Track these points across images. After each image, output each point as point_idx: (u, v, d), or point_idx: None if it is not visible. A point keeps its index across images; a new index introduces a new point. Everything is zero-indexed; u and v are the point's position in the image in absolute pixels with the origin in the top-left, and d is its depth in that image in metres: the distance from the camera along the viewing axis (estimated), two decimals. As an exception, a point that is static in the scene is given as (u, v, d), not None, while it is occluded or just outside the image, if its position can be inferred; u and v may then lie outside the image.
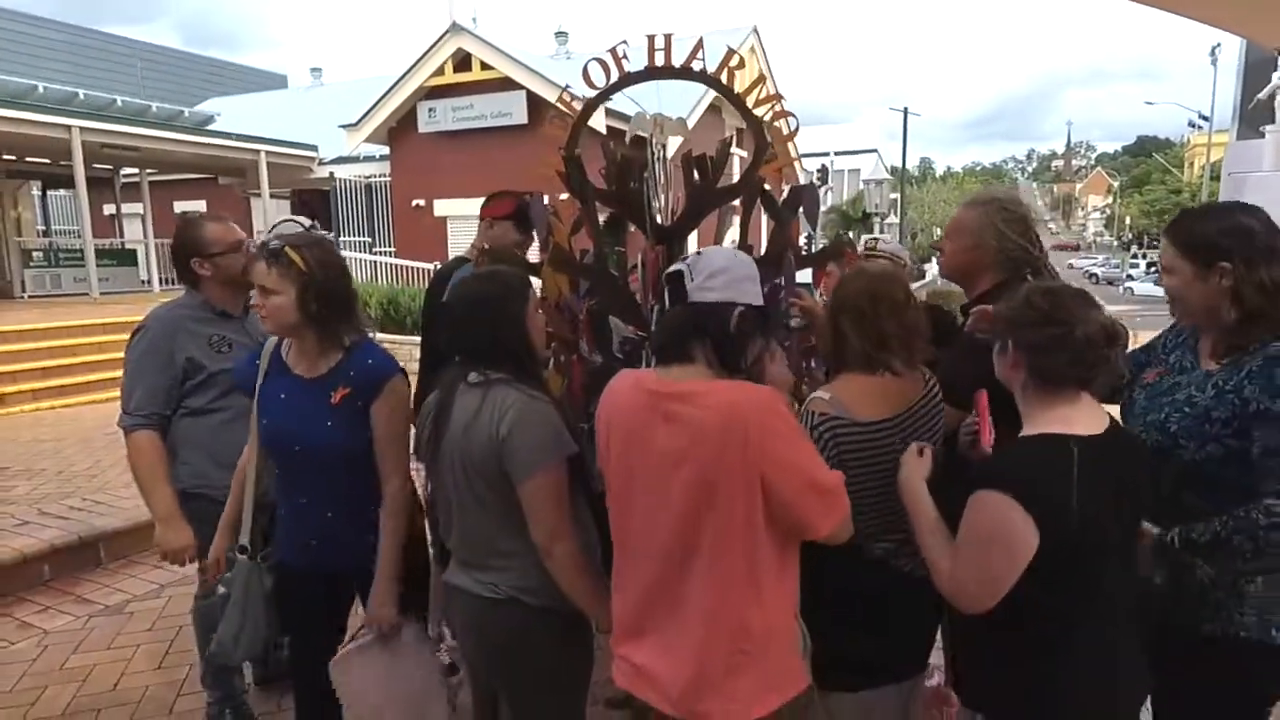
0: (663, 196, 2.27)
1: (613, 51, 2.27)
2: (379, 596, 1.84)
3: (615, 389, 1.48)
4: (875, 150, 38.37)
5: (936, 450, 1.62)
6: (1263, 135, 6.42)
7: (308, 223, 3.30)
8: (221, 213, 2.66)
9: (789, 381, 1.63)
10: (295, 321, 1.83)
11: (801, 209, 2.20)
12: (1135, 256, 46.62)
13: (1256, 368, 1.45)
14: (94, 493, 4.53)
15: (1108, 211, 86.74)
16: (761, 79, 2.26)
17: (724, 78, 2.25)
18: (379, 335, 9.76)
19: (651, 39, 2.24)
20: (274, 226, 3.25)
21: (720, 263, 1.42)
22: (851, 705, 1.64)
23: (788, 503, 1.32)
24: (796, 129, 2.20)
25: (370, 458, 1.86)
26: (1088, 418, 1.41)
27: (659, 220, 2.23)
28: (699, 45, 2.21)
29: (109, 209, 17.10)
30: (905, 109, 24.41)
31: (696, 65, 2.23)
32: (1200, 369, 1.58)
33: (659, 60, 2.23)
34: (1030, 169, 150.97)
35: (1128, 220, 67.28)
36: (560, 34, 18.71)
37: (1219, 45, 27.42)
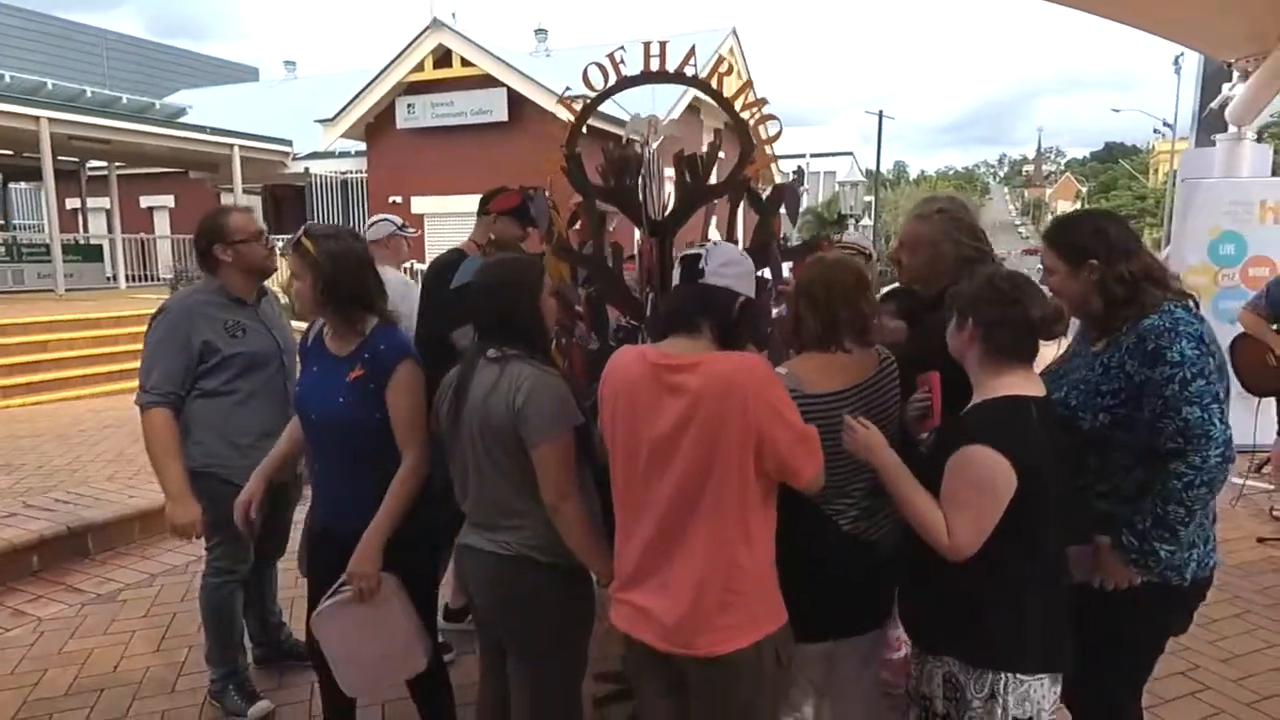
0: (655, 193, 2.40)
1: (610, 56, 2.39)
2: (361, 553, 1.94)
3: (619, 363, 1.62)
4: (851, 153, 38.88)
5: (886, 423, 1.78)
6: (1215, 144, 6.75)
7: (399, 221, 3.37)
8: (230, 208, 2.76)
9: None
10: (312, 306, 1.99)
11: (784, 207, 2.35)
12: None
13: (1132, 345, 1.69)
14: (77, 486, 4.54)
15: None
16: (748, 84, 2.40)
17: (714, 83, 2.38)
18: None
19: (647, 45, 2.36)
20: (372, 224, 3.32)
21: (733, 255, 1.61)
22: (815, 654, 1.83)
23: (783, 453, 1.48)
24: (780, 133, 2.34)
25: (377, 436, 1.97)
26: (1033, 386, 1.62)
27: (652, 215, 2.36)
28: (691, 52, 2.34)
29: (73, 203, 16.74)
30: (880, 113, 24.86)
31: (688, 71, 2.35)
32: (1089, 352, 1.82)
33: (654, 66, 2.34)
34: (1002, 173, 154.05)
35: (1092, 225, 68.93)
36: (540, 31, 18.74)
37: (1182, 55, 28.31)
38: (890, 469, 1.62)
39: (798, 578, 1.65)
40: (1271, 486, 4.78)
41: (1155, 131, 36.79)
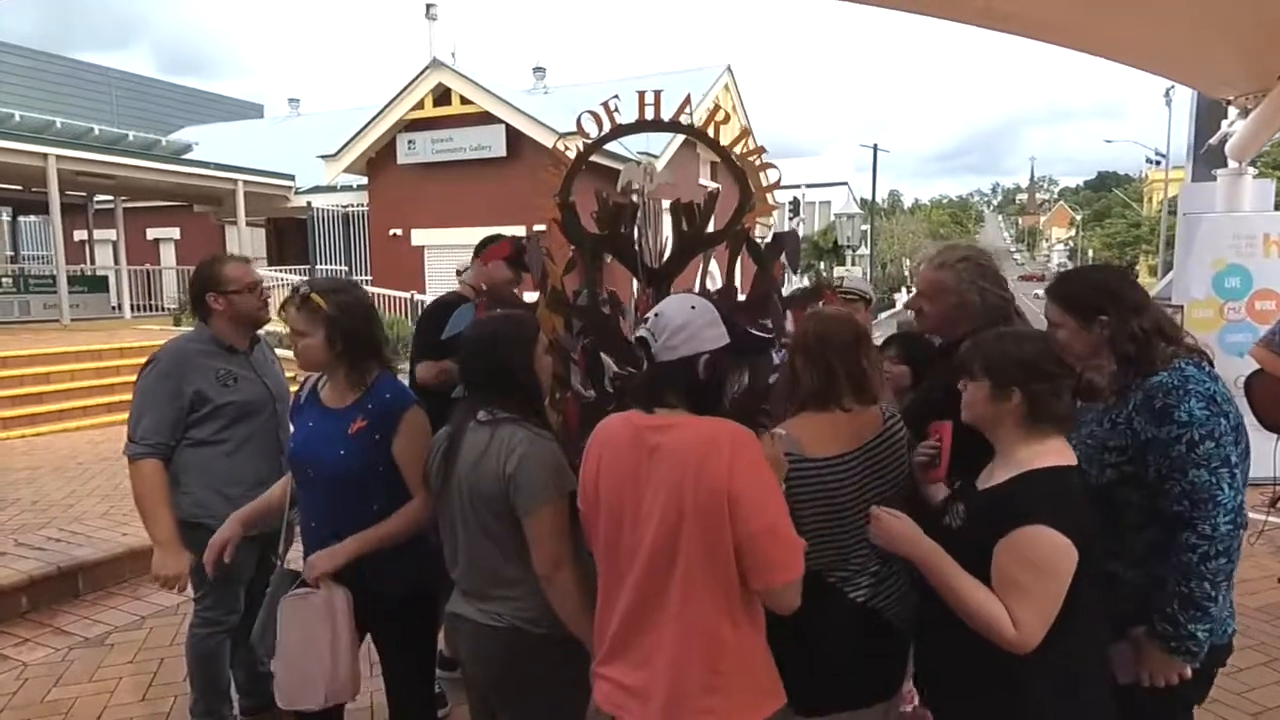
0: (651, 241, 2.41)
1: (605, 105, 2.41)
2: (328, 553, 1.92)
3: (606, 426, 1.58)
4: (845, 183, 39.37)
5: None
6: (1214, 178, 6.80)
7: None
8: (237, 254, 2.76)
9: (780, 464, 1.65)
10: (324, 360, 1.96)
11: (784, 254, 2.35)
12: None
13: (1139, 402, 1.64)
14: (70, 523, 4.50)
15: (1071, 244, 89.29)
16: (746, 132, 2.41)
17: (710, 130, 2.40)
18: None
19: (641, 95, 2.39)
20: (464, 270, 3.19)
21: (679, 320, 1.49)
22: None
23: (750, 535, 1.38)
24: (779, 180, 2.35)
25: (378, 487, 1.95)
26: (1070, 454, 1.54)
27: (649, 263, 2.37)
28: (687, 100, 2.37)
29: (80, 235, 16.94)
30: (875, 145, 25.21)
31: (684, 118, 2.38)
32: (1098, 407, 1.76)
33: (649, 113, 2.36)
34: (995, 202, 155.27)
35: (1090, 252, 69.39)
36: (538, 69, 19.07)
37: (1173, 87, 28.76)
38: (934, 560, 1.50)
39: (803, 650, 1.58)
40: None
41: (1148, 161, 37.21)
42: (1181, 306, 6.01)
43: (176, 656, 3.25)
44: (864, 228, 29.67)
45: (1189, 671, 1.62)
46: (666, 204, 2.43)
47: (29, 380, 7.67)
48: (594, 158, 2.54)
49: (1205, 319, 6.08)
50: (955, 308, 2.09)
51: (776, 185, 2.35)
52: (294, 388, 2.31)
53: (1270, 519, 4.77)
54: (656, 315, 1.52)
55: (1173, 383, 1.61)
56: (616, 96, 2.44)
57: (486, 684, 1.83)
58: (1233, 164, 6.51)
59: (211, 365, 2.47)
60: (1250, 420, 4.68)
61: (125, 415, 7.64)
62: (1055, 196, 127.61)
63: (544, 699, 1.77)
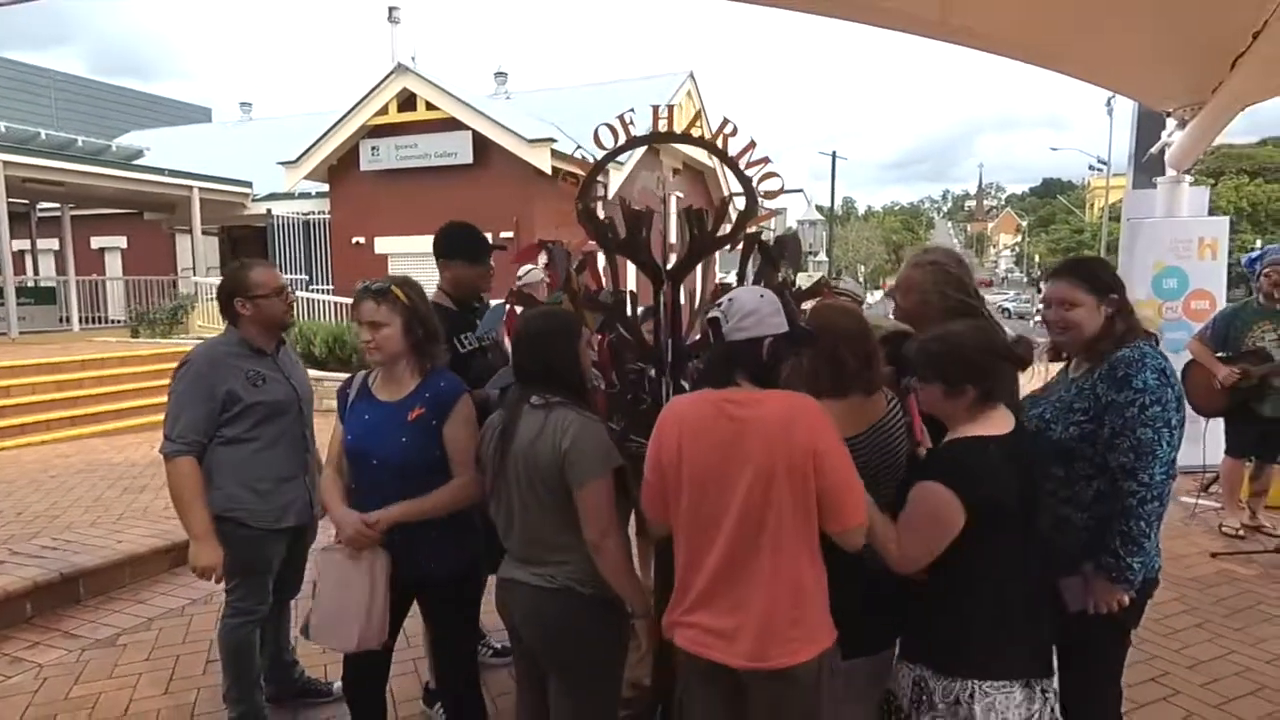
0: (665, 244, 2.61)
1: (620, 118, 2.60)
2: (374, 515, 2.09)
3: (678, 405, 1.78)
4: (801, 190, 40.22)
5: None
6: (1154, 185, 7.32)
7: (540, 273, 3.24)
8: (259, 260, 2.84)
9: None
10: (399, 349, 2.12)
11: (785, 255, 2.58)
12: (1042, 292, 49.75)
13: (1104, 372, 1.96)
14: (61, 532, 4.47)
15: (1017, 249, 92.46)
16: (752, 144, 2.63)
17: (719, 141, 2.61)
18: (324, 374, 9.72)
19: (656, 109, 2.59)
20: (526, 271, 3.29)
21: (750, 305, 1.72)
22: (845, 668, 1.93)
23: (831, 486, 1.61)
24: (782, 187, 2.57)
25: (436, 471, 2.11)
26: (1004, 423, 1.79)
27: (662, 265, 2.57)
28: (698, 115, 2.57)
29: (21, 244, 16.26)
30: (834, 153, 25.96)
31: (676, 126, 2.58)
32: (1069, 378, 2.08)
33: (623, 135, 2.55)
34: (945, 208, 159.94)
35: (1036, 258, 72.04)
36: (500, 74, 19.09)
37: (1114, 97, 30.30)
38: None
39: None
40: (1220, 504, 5.10)
41: (1090, 168, 39.04)
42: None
43: (191, 654, 3.33)
44: (822, 232, 30.43)
45: (1127, 599, 1.92)
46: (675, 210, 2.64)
47: (-10, 392, 7.47)
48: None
49: (1145, 318, 6.45)
50: (919, 304, 2.38)
51: (781, 191, 2.57)
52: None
53: (1201, 501, 5.21)
54: (730, 300, 1.73)
55: (1133, 356, 1.92)
56: (632, 110, 2.62)
57: (538, 642, 2.00)
58: (1171, 172, 7.04)
59: (241, 367, 2.59)
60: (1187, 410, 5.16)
61: (91, 429, 7.66)
62: (1002, 203, 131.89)
63: (590, 653, 1.95)
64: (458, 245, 2.87)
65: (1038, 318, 39.09)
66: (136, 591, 4.01)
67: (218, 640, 2.69)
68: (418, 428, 2.10)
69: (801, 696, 1.66)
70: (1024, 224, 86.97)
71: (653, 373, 2.52)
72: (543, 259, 2.71)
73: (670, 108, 2.60)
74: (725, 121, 2.70)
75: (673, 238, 2.78)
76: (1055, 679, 1.81)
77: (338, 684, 2.66)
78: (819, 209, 34.24)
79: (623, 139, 2.57)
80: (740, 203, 2.54)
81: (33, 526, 4.58)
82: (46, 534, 4.43)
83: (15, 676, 3.17)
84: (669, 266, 2.59)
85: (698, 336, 2.49)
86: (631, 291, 2.60)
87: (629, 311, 2.57)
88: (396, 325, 2.11)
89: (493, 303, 2.90)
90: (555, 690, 2.00)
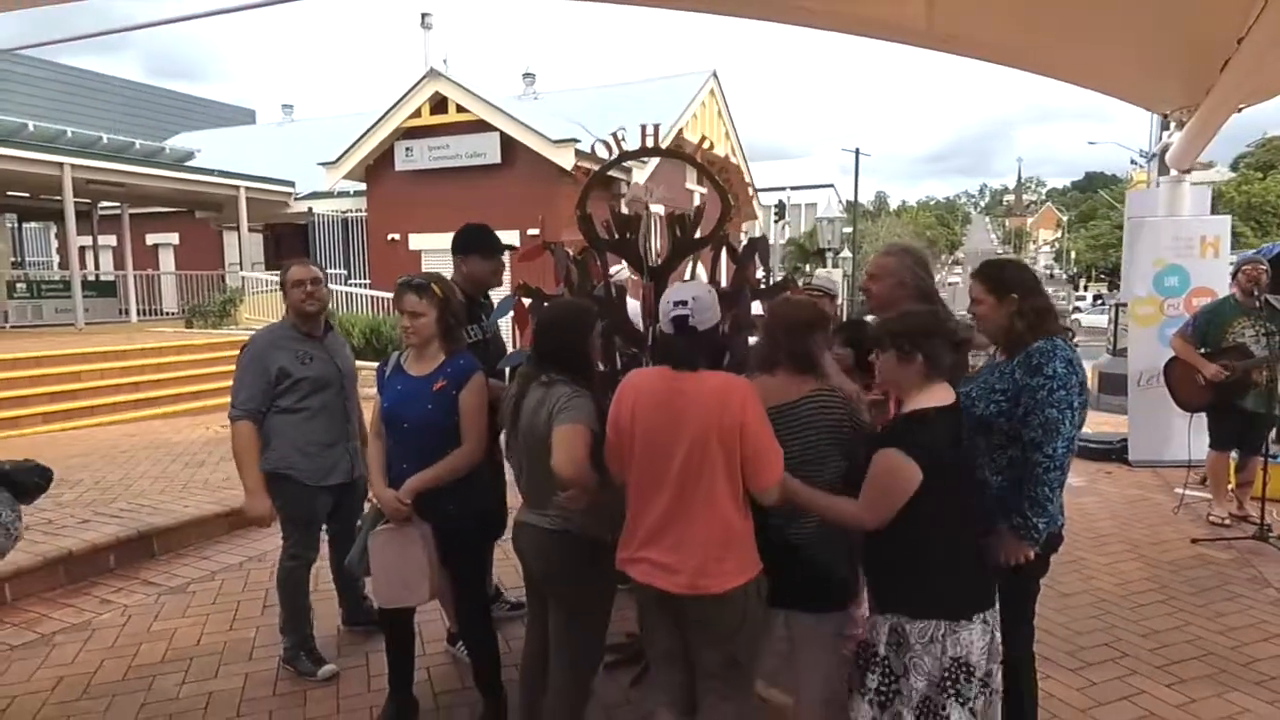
0: (652, 245, 3.03)
1: (614, 135, 3.01)
2: (403, 491, 2.54)
3: (635, 378, 2.18)
4: (832, 185, 40.16)
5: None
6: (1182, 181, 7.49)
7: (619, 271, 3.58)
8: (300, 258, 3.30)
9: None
10: (432, 334, 2.58)
11: (757, 255, 2.97)
12: (1082, 290, 48.91)
13: (1021, 359, 2.28)
14: (135, 498, 5.06)
15: (1057, 245, 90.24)
16: (728, 158, 3.02)
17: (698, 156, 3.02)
18: (364, 364, 10.32)
19: (644, 128, 3.00)
20: (616, 271, 3.54)
21: (708, 300, 2.10)
22: (807, 620, 2.25)
23: (754, 452, 1.97)
24: (755, 193, 2.97)
25: (452, 434, 2.55)
26: (948, 395, 2.13)
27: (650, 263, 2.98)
28: (680, 134, 2.97)
29: (83, 241, 17.26)
30: (856, 150, 26.00)
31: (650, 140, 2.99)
32: (995, 365, 2.41)
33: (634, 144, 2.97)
34: (983, 203, 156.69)
35: (1073, 254, 70.34)
36: (528, 75, 19.60)
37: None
38: (803, 496, 2.09)
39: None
40: (1210, 496, 5.27)
41: (1132, 162, 38.21)
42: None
43: (250, 600, 3.85)
44: (846, 230, 30.41)
45: (1033, 554, 2.26)
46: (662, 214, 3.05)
47: (64, 378, 8.19)
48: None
49: (1147, 315, 6.72)
50: (895, 286, 2.74)
51: (754, 197, 2.96)
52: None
53: (1190, 492, 5.39)
54: (695, 299, 2.07)
55: (1047, 348, 2.25)
56: (623, 128, 3.03)
57: (541, 574, 2.42)
58: (1173, 172, 7.21)
59: (292, 347, 3.08)
60: (1168, 402, 5.36)
61: (152, 411, 8.41)
62: (1043, 198, 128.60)
63: (581, 585, 2.35)
64: (474, 242, 3.27)
65: (1075, 315, 38.34)
66: (201, 549, 4.56)
67: (276, 581, 3.19)
68: (441, 396, 2.55)
69: (727, 617, 2.06)
70: (1064, 219, 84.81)
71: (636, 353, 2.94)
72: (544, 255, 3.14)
73: (656, 126, 2.98)
74: (703, 139, 3.11)
75: (659, 239, 3.18)
76: (996, 608, 2.13)
77: None
78: (847, 205, 34.14)
79: (626, 149, 2.99)
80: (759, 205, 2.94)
81: (110, 493, 5.17)
82: (123, 499, 5.01)
83: (105, 614, 3.72)
84: (655, 264, 3.01)
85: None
86: (619, 285, 3.02)
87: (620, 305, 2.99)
88: (432, 315, 2.57)
89: (500, 296, 3.31)
90: (553, 617, 2.42)
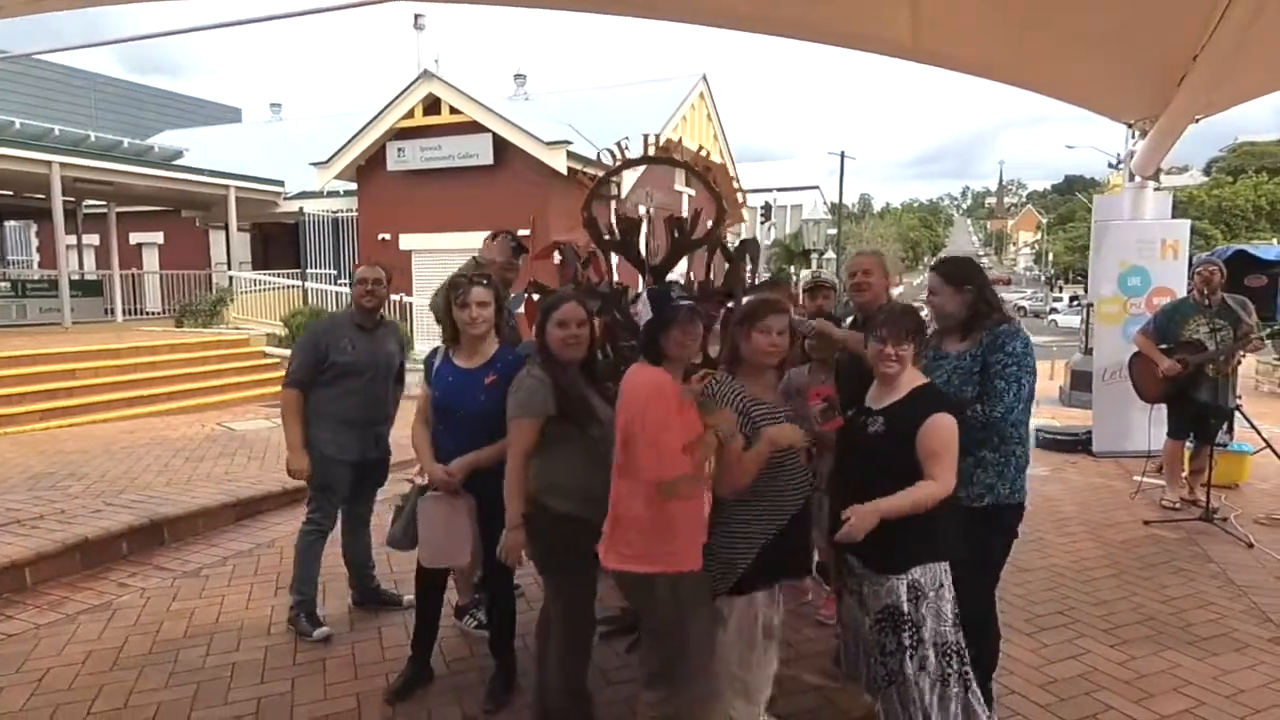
0: (652, 245, 3.25)
1: (618, 144, 3.24)
2: (453, 466, 2.76)
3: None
4: (817, 187, 40.53)
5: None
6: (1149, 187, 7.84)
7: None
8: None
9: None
10: (493, 325, 2.80)
11: (748, 256, 3.21)
12: (1059, 291, 49.90)
13: (988, 341, 2.56)
14: (142, 490, 5.20)
15: (1036, 247, 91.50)
16: (724, 166, 3.25)
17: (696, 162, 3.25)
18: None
19: (646, 137, 3.23)
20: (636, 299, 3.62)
21: (639, 307, 2.35)
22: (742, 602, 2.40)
23: (644, 446, 2.13)
24: (745, 201, 3.21)
25: (501, 421, 2.63)
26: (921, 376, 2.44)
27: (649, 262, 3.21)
28: (679, 143, 3.20)
29: (68, 240, 17.19)
30: (841, 153, 26.40)
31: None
32: (952, 352, 2.64)
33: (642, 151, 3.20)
34: (965, 205, 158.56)
35: (1051, 256, 71.46)
36: (519, 77, 19.79)
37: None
38: (889, 507, 2.17)
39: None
40: (1164, 483, 5.63)
41: (1110, 166, 38.95)
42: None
43: (263, 583, 4.03)
44: (831, 232, 30.80)
45: None
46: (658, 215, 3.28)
47: (59, 376, 8.28)
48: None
49: (1112, 313, 7.13)
50: (879, 280, 3.14)
51: (744, 204, 3.21)
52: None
53: (1146, 480, 5.77)
54: (644, 301, 2.33)
55: (1010, 330, 2.57)
56: (627, 138, 3.26)
57: (530, 548, 2.54)
58: (1137, 178, 7.57)
59: (344, 333, 3.39)
60: (1131, 396, 5.70)
61: (146, 409, 8.59)
62: (1023, 200, 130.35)
63: (558, 557, 2.49)
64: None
65: (1052, 316, 39.13)
66: (209, 538, 4.73)
67: (295, 543, 3.48)
68: (493, 389, 2.72)
69: (635, 599, 2.28)
70: (1043, 221, 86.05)
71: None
72: (557, 256, 3.37)
73: (656, 136, 3.21)
74: (700, 147, 3.35)
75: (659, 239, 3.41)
76: None
77: (408, 597, 3.48)
78: (832, 207, 34.57)
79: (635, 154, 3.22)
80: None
81: (116, 486, 5.32)
82: (130, 491, 5.16)
83: (124, 596, 3.88)
84: (654, 263, 3.24)
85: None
86: (620, 283, 3.24)
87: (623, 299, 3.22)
88: (493, 307, 2.79)
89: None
90: (543, 581, 2.62)
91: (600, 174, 3.36)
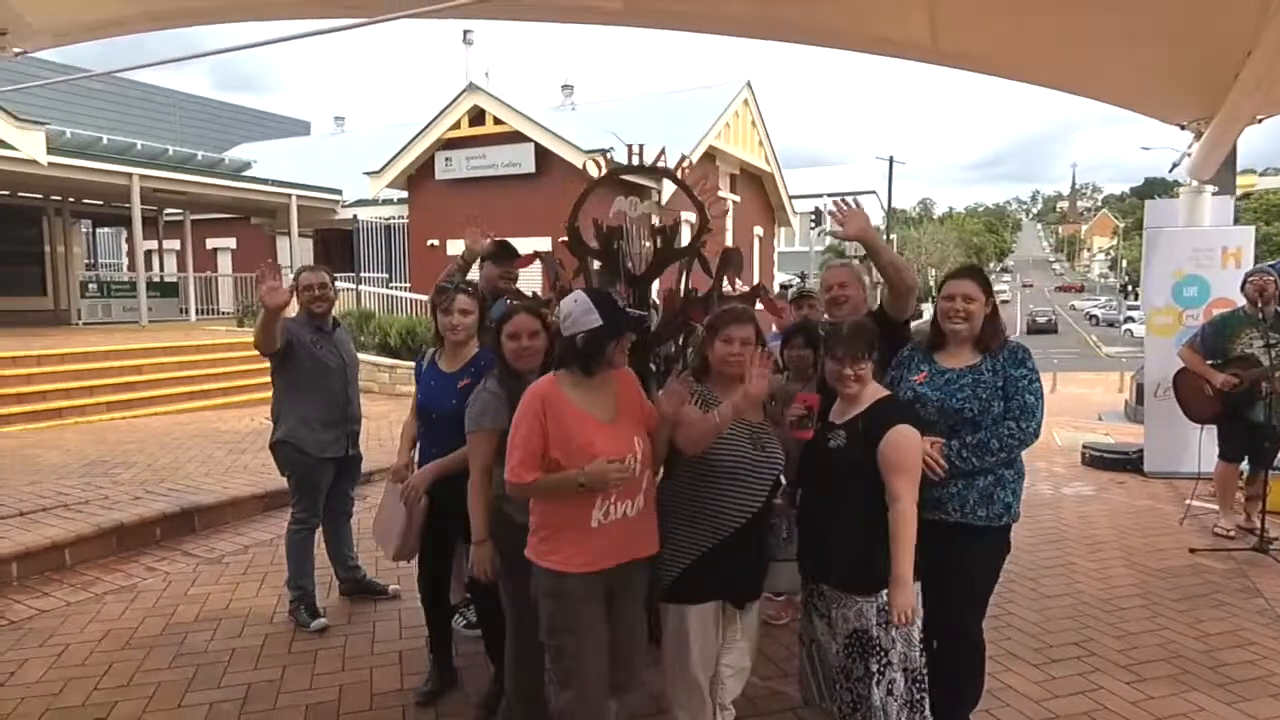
0: (635, 255, 3.28)
1: (604, 153, 3.29)
2: (423, 469, 2.87)
3: None
4: (874, 191, 39.74)
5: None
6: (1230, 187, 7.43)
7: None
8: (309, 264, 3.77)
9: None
10: (474, 331, 2.88)
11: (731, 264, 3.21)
12: (1134, 299, 47.42)
13: (1006, 355, 2.51)
14: (182, 480, 5.53)
15: (1112, 253, 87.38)
16: (707, 176, 3.26)
17: (679, 174, 3.27)
18: (397, 362, 10.85)
19: (630, 146, 3.27)
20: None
21: (565, 310, 2.18)
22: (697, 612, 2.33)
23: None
24: (728, 210, 3.21)
25: None
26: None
27: (633, 271, 3.24)
28: (661, 153, 3.22)
29: (149, 245, 18.38)
30: (890, 157, 25.87)
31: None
32: (955, 367, 2.54)
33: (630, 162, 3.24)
34: (1035, 210, 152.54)
35: (1124, 263, 68.01)
36: (566, 87, 20.07)
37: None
38: (904, 579, 2.19)
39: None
40: (1216, 508, 5.23)
41: (1170, 169, 36.70)
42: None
43: (277, 571, 4.21)
44: (893, 236, 30.09)
45: (941, 471, 2.39)
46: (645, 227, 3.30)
47: (127, 371, 8.85)
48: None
49: (1165, 325, 6.72)
50: (856, 290, 3.08)
51: (725, 215, 3.20)
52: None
53: (1198, 503, 5.38)
54: (559, 307, 2.25)
55: (1024, 346, 2.56)
56: (641, 145, 3.27)
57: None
58: (1193, 182, 7.17)
59: (307, 335, 3.53)
60: (1178, 413, 5.35)
61: (204, 403, 9.05)
62: (1099, 204, 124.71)
63: (519, 571, 2.43)
64: (489, 252, 3.66)
65: (1126, 325, 36.90)
66: (237, 526, 4.99)
67: (285, 541, 3.63)
68: (465, 392, 2.74)
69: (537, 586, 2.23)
70: (1120, 226, 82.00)
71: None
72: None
73: (643, 146, 3.24)
74: (683, 157, 3.37)
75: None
76: None
77: (392, 586, 3.70)
78: (891, 211, 33.81)
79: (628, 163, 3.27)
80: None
81: (159, 474, 5.66)
82: (170, 480, 5.49)
83: (149, 579, 4.15)
84: (638, 273, 3.27)
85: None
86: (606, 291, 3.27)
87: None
88: (475, 314, 2.88)
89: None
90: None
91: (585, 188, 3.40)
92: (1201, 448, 5.38)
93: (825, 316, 3.34)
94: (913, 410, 2.39)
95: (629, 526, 2.21)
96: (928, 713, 2.29)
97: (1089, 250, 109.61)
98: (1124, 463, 6.82)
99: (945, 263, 37.53)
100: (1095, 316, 45.12)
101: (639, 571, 2.29)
